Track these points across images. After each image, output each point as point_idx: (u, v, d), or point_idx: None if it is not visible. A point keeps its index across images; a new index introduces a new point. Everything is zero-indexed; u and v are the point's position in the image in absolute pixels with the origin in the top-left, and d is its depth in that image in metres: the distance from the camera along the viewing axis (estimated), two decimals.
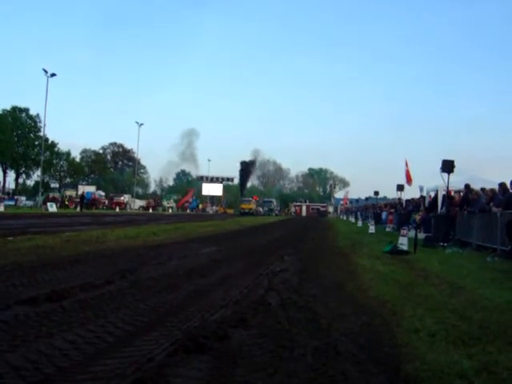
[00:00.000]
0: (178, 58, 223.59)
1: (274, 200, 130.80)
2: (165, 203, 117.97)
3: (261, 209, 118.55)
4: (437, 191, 27.36)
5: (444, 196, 24.83)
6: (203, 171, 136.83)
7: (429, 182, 37.19)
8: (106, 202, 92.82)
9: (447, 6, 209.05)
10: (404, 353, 5.44)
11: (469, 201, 21.95)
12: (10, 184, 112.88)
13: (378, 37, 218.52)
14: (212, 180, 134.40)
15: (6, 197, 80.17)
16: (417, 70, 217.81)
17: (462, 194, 23.79)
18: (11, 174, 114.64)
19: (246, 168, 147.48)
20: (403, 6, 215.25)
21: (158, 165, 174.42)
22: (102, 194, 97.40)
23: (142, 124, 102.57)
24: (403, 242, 18.04)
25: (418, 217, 29.56)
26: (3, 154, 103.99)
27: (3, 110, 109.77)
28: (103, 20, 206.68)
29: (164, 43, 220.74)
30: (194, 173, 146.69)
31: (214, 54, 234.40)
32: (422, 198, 33.73)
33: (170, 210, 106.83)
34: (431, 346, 5.73)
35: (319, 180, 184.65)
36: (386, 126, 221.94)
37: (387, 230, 37.65)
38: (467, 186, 23.28)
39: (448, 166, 21.05)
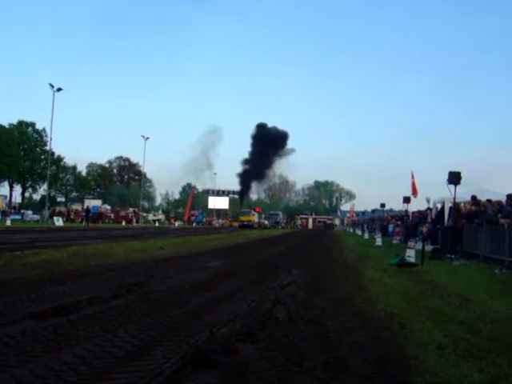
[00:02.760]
0: (183, 73, 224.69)
1: (280, 213, 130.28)
2: (150, 216, 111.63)
3: (266, 221, 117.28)
4: (443, 203, 27.32)
5: (451, 208, 24.78)
6: (210, 185, 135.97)
7: (435, 193, 37.20)
8: (112, 215, 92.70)
9: (458, 19, 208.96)
10: (413, 366, 5.42)
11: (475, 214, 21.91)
12: (17, 198, 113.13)
13: (386, 48, 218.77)
14: (218, 193, 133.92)
15: (13, 211, 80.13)
16: (423, 82, 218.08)
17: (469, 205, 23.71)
18: (17, 189, 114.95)
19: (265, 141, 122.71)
20: (416, 17, 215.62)
21: (164, 178, 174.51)
22: (108, 207, 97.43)
23: (147, 138, 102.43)
24: (410, 255, 17.99)
25: (424, 229, 29.48)
26: (9, 168, 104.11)
27: (10, 125, 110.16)
28: (109, 35, 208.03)
29: (169, 56, 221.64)
30: (210, 185, 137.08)
31: (220, 64, 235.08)
32: (429, 209, 33.69)
33: (177, 224, 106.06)
34: (440, 358, 5.71)
35: (325, 192, 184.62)
36: (391, 138, 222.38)
37: (394, 242, 37.56)
38: (474, 198, 23.24)
39: (455, 178, 21.05)
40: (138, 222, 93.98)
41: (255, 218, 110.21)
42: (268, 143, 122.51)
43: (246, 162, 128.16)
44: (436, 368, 5.32)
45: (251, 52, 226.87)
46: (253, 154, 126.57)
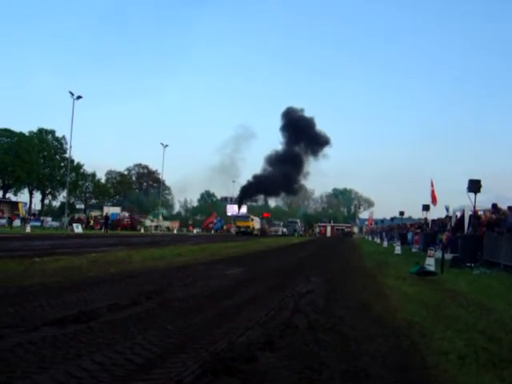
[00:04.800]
0: (201, 80, 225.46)
1: (298, 221, 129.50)
2: (147, 221, 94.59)
3: (282, 229, 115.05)
4: (463, 211, 27.13)
5: (471, 216, 24.62)
6: (228, 192, 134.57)
7: (455, 201, 36.95)
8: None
9: (483, 22, 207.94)
10: (434, 375, 5.39)
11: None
12: (36, 205, 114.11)
13: (405, 52, 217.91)
14: (236, 201, 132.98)
15: (32, 218, 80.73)
16: (442, 88, 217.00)
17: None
18: (37, 195, 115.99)
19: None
20: (429, 23, 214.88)
21: (182, 185, 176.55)
22: (127, 215, 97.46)
23: (166, 145, 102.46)
24: (430, 263, 17.86)
25: (444, 237, 29.28)
26: (30, 175, 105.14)
27: (30, 132, 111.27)
28: (130, 43, 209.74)
29: (186, 62, 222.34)
30: (228, 192, 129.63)
31: (240, 68, 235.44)
32: (448, 217, 33.48)
33: (195, 231, 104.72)
34: (461, 368, 5.67)
35: (344, 200, 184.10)
36: (410, 146, 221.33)
37: (413, 250, 37.38)
38: (494, 206, 23.08)
39: (474, 186, 20.98)
40: (135, 228, 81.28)
41: (255, 223, 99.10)
42: (303, 139, 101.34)
43: (272, 161, 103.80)
44: (457, 378, 5.29)
45: (269, 54, 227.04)
46: (285, 149, 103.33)
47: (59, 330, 6.70)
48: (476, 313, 9.69)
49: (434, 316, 9.09)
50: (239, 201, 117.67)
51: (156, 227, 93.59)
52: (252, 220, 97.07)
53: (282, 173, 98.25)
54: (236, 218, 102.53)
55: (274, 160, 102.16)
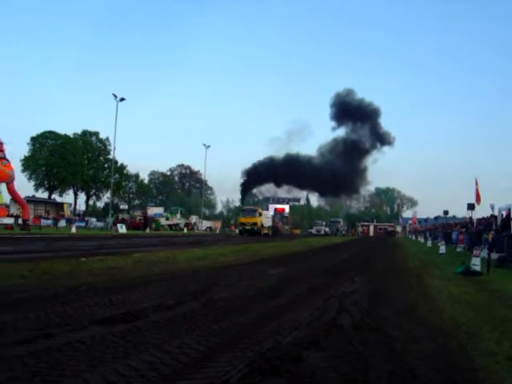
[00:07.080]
0: (244, 80, 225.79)
1: (340, 220, 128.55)
2: (163, 220, 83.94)
3: (325, 229, 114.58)
4: (509, 210, 26.69)
5: None
6: (269, 192, 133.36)
7: (501, 200, 36.41)
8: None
9: None
10: (482, 377, 5.34)
11: None
12: (81, 206, 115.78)
13: (451, 49, 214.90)
14: (278, 201, 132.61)
15: (77, 218, 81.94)
16: (488, 85, 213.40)
17: None
18: (82, 196, 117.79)
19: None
20: (489, 18, 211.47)
21: (226, 187, 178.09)
22: (139, 213, 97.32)
23: (208, 146, 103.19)
24: (476, 263, 17.63)
25: (489, 236, 28.82)
26: (74, 176, 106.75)
27: (74, 134, 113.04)
28: (167, 45, 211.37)
29: (228, 64, 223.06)
30: (273, 192, 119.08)
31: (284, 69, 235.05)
32: (494, 217, 32.97)
33: (237, 231, 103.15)
34: (510, 370, 5.60)
35: (386, 199, 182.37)
36: (454, 143, 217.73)
37: (458, 250, 36.84)
38: None
39: None
40: (149, 228, 72.29)
41: (264, 219, 78.21)
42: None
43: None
44: (506, 379, 5.24)
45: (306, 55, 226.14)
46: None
47: (107, 329, 6.82)
48: None
49: (481, 317, 8.98)
50: (243, 189, 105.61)
51: (173, 225, 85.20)
52: (260, 215, 75.82)
53: (349, 169, 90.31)
54: (242, 212, 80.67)
55: (331, 155, 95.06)
